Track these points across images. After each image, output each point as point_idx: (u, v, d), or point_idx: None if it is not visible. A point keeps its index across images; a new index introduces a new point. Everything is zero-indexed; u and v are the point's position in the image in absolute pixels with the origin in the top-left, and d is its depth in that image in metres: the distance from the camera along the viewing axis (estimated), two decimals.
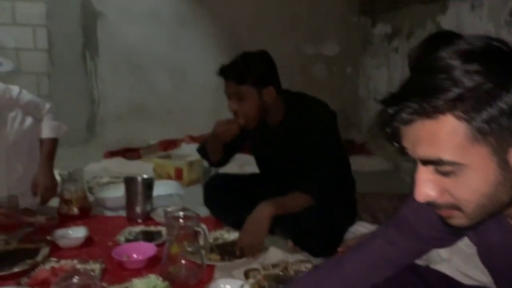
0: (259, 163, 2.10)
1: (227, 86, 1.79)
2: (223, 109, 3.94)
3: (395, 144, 0.68)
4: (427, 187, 0.66)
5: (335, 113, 1.83)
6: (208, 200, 2.09)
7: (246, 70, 1.74)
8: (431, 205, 0.69)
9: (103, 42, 3.86)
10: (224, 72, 1.79)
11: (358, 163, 2.57)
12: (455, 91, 0.60)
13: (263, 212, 1.66)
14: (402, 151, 0.68)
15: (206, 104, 4.02)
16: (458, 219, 0.68)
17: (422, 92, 0.62)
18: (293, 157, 1.83)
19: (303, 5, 3.87)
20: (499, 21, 1.99)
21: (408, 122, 0.63)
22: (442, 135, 0.62)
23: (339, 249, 1.40)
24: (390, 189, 2.53)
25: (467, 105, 0.60)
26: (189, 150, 3.10)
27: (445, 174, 0.64)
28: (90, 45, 3.85)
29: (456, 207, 0.67)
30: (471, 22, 2.21)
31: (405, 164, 3.01)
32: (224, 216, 2.01)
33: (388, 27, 3.44)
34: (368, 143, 3.80)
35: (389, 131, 0.67)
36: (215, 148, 1.98)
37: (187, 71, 3.99)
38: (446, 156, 0.62)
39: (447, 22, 2.46)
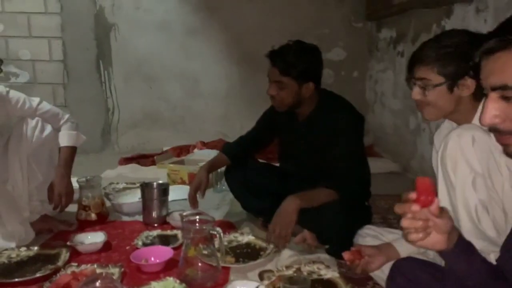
0: (284, 158, 2.15)
1: (272, 71, 1.84)
2: (232, 115, 4.06)
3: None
4: (493, 111, 0.77)
5: (363, 117, 1.90)
6: (231, 179, 2.16)
7: (293, 64, 1.79)
8: (494, 131, 0.80)
9: (116, 53, 3.96)
10: (272, 57, 1.84)
11: None
12: None
13: (290, 205, 1.72)
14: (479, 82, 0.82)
15: (216, 111, 4.10)
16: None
17: (504, 29, 0.77)
18: (318, 153, 1.89)
19: (309, 12, 3.93)
20: None
21: (490, 52, 0.77)
22: (511, 64, 0.74)
23: (353, 248, 1.42)
24: (398, 190, 2.54)
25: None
26: (202, 155, 3.16)
27: (508, 99, 0.75)
28: (104, 56, 3.95)
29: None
30: (476, 26, 2.22)
31: (413, 165, 3.04)
32: (245, 200, 2.13)
33: (393, 32, 3.47)
34: (376, 145, 3.84)
35: (472, 63, 0.82)
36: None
37: (198, 79, 4.07)
38: (511, 81, 0.74)
39: (452, 25, 2.48)
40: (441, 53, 1.20)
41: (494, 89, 0.77)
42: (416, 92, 1.26)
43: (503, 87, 0.75)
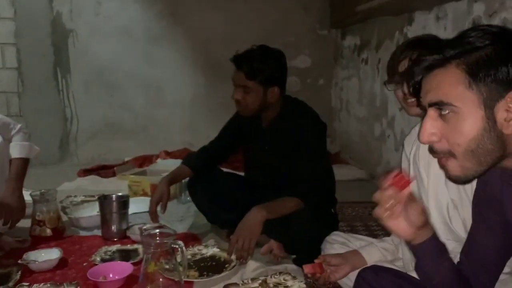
0: (249, 166, 2.13)
1: (237, 75, 1.84)
2: (198, 124, 3.99)
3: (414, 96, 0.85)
4: (430, 128, 0.79)
5: (325, 124, 1.89)
6: (194, 191, 2.12)
7: (258, 68, 1.78)
8: (431, 152, 0.82)
9: (75, 60, 3.82)
10: (238, 61, 1.83)
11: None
12: (464, 47, 0.75)
13: (256, 216, 1.69)
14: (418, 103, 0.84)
15: (181, 120, 4.02)
16: (453, 169, 0.80)
17: (445, 46, 0.78)
18: (281, 160, 1.88)
19: (275, 19, 3.95)
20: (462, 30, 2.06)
21: (429, 69, 0.78)
22: (446, 81, 0.76)
23: (316, 260, 1.40)
24: (365, 197, 2.56)
25: (470, 59, 0.74)
26: (165, 166, 3.08)
27: (444, 117, 0.77)
28: (61, 63, 3.81)
29: (450, 153, 0.78)
30: (437, 33, 2.27)
31: (379, 171, 3.07)
32: (210, 213, 2.10)
33: (357, 39, 3.52)
34: (342, 153, 3.86)
35: (412, 83, 0.84)
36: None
37: (161, 87, 3.99)
38: (447, 99, 0.75)
39: (413, 32, 2.53)
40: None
41: (430, 105, 0.78)
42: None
43: (439, 103, 0.76)
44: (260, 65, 1.78)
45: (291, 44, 3.93)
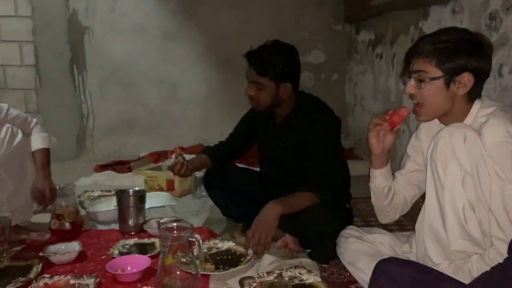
0: (263, 162, 2.14)
1: (249, 72, 1.84)
2: (212, 120, 4.01)
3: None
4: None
5: (340, 120, 1.89)
6: (209, 186, 2.14)
7: (270, 65, 1.78)
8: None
9: (91, 57, 3.87)
10: (250, 58, 1.84)
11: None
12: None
13: (271, 211, 1.70)
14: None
15: (195, 116, 4.05)
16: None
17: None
18: (295, 155, 1.88)
19: (289, 15, 3.94)
20: (479, 24, 2.04)
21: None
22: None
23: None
24: None
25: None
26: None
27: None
28: (78, 60, 3.86)
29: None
30: None
31: (394, 167, 3.04)
32: (225, 207, 2.12)
33: (372, 34, 3.49)
34: (356, 149, 3.84)
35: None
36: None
37: (175, 84, 4.02)
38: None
39: (429, 27, 2.51)
40: (440, 47, 1.20)
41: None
42: (411, 86, 1.25)
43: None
44: (272, 61, 1.78)
45: (305, 39, 3.92)
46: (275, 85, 1.81)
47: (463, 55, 1.18)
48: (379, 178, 1.43)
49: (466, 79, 1.19)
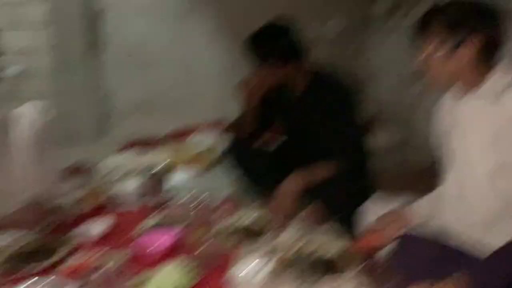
0: (282, 137, 2.17)
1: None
2: (230, 98, 3.98)
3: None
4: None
5: (356, 90, 1.93)
6: (233, 161, 2.19)
7: (268, 50, 1.83)
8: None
9: (107, 39, 3.87)
10: (249, 45, 1.91)
11: None
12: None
13: (292, 185, 1.73)
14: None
15: (215, 93, 4.04)
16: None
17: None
18: (313, 127, 1.92)
19: None
20: None
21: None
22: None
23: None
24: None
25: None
26: (203, 137, 3.15)
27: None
28: (95, 43, 3.87)
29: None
30: None
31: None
32: (248, 180, 2.14)
33: (389, 5, 3.43)
34: (373, 121, 3.81)
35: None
36: (249, 117, 2.12)
37: (194, 62, 4.00)
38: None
39: None
40: (452, 14, 1.24)
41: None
42: (424, 54, 1.29)
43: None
44: (267, 50, 1.80)
45: (319, 11, 3.86)
46: (277, 68, 1.86)
47: (470, 21, 1.22)
48: None
49: (475, 41, 1.22)
